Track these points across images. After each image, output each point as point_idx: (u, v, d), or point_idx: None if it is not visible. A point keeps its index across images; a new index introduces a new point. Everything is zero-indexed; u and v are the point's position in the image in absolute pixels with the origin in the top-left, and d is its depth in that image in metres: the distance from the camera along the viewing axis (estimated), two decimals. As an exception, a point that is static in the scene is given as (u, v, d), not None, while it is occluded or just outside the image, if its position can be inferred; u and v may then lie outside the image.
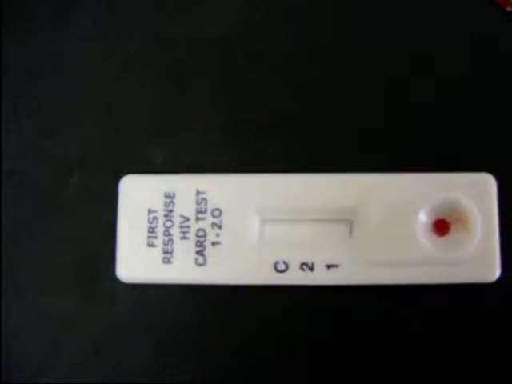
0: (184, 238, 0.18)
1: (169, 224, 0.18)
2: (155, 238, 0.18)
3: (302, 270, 0.18)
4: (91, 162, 0.20)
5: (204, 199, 0.18)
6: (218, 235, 0.18)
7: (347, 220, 0.18)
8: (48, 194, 0.20)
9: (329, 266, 0.18)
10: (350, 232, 0.18)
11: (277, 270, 0.18)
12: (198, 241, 0.18)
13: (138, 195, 0.19)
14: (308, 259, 0.18)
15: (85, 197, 0.20)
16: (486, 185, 0.18)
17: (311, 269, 0.18)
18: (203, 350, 0.19)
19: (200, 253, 0.18)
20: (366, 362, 0.19)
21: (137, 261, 0.18)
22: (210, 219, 0.18)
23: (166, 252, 0.18)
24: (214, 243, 0.18)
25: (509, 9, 0.18)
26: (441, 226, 0.18)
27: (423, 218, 0.18)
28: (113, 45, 0.20)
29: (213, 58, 0.20)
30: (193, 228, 0.18)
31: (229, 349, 0.19)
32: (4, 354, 0.19)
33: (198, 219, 0.18)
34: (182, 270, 0.18)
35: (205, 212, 0.18)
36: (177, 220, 0.18)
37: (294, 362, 0.19)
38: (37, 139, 0.20)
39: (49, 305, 0.19)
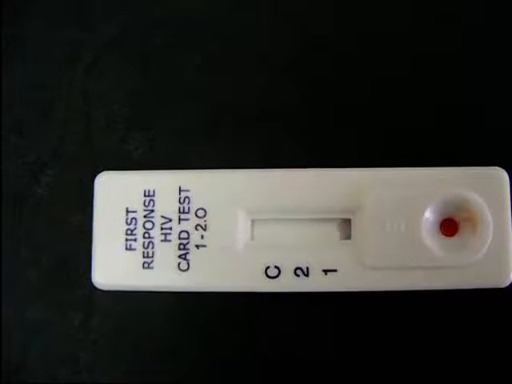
0: (165, 240, 0.17)
1: (149, 225, 0.17)
2: (134, 240, 0.17)
3: (296, 275, 0.17)
4: (64, 158, 0.19)
5: (187, 198, 0.17)
6: (202, 237, 0.17)
7: (345, 220, 0.17)
8: (18, 192, 0.19)
9: (326, 271, 0.17)
10: (349, 233, 0.17)
11: (268, 276, 0.17)
12: (180, 244, 0.17)
13: (115, 194, 0.17)
14: (302, 263, 0.17)
15: (58, 196, 0.18)
16: (497, 180, 0.17)
17: (306, 274, 0.17)
18: (186, 362, 0.18)
19: (183, 257, 0.17)
20: (367, 375, 0.18)
21: (114, 266, 0.17)
22: (194, 220, 0.17)
23: (145, 256, 0.17)
24: (198, 246, 0.17)
25: None
26: (448, 226, 0.17)
27: (429, 216, 0.17)
28: (87, 30, 0.19)
29: (195, 41, 0.19)
30: (175, 230, 0.17)
31: (213, 361, 0.18)
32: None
33: (180, 220, 0.17)
34: (164, 276, 0.17)
35: (188, 212, 0.17)
36: (157, 221, 0.17)
37: (287, 376, 0.18)
38: (5, 133, 0.19)
39: (20, 313, 0.18)
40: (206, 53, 0.19)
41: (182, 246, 0.17)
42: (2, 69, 0.19)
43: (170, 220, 0.17)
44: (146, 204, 0.17)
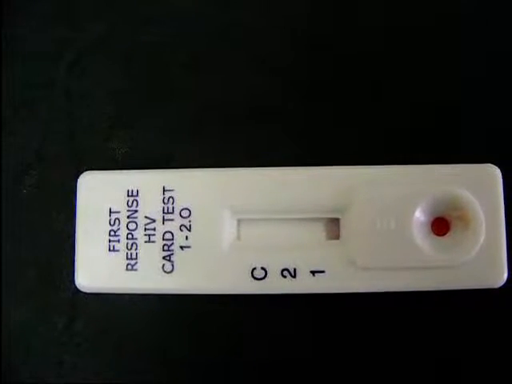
0: (149, 241, 0.17)
1: (132, 226, 0.17)
2: (117, 241, 0.17)
3: (283, 276, 0.17)
4: (47, 158, 0.18)
5: (171, 198, 0.17)
6: (187, 238, 0.17)
7: (334, 219, 0.17)
8: (1, 193, 0.18)
9: (313, 272, 0.17)
10: (337, 233, 0.17)
11: (254, 277, 0.17)
12: (165, 245, 0.17)
13: (98, 194, 0.17)
14: (289, 264, 0.17)
15: (41, 196, 0.18)
16: (490, 177, 0.17)
17: (293, 275, 0.17)
18: (171, 364, 0.18)
19: (167, 258, 0.17)
20: (358, 377, 0.17)
21: (97, 268, 0.17)
22: (179, 220, 0.17)
23: (129, 258, 0.17)
24: (182, 247, 0.17)
25: None
26: (440, 225, 0.17)
27: (420, 215, 0.17)
28: (71, 29, 0.19)
29: (180, 38, 0.18)
30: (159, 230, 0.17)
31: (199, 363, 0.18)
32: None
33: (164, 220, 0.17)
34: (148, 278, 0.17)
35: (172, 212, 0.17)
36: (141, 221, 0.17)
37: (274, 378, 0.17)
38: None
39: (3, 315, 0.18)
40: (191, 51, 0.18)
41: (166, 247, 0.17)
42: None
43: (154, 220, 0.17)
44: (130, 204, 0.17)
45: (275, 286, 0.17)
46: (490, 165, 0.17)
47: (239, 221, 0.17)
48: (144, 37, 0.18)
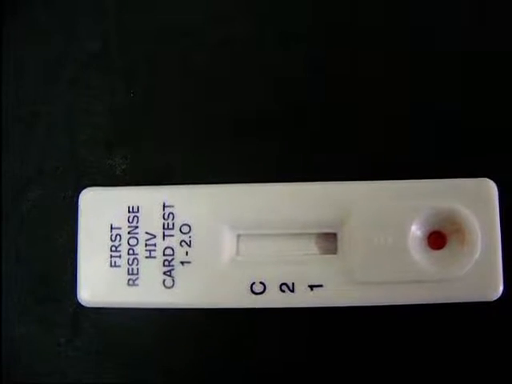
0: (150, 257, 0.17)
1: (133, 242, 0.17)
2: (119, 257, 0.17)
3: (282, 291, 0.17)
4: (49, 174, 0.18)
5: (171, 214, 0.17)
6: (187, 254, 0.17)
7: (331, 234, 0.17)
8: (3, 209, 0.18)
9: (311, 287, 0.17)
10: (335, 247, 0.17)
11: (253, 292, 0.17)
12: (165, 260, 0.17)
13: (99, 210, 0.17)
14: (288, 279, 0.17)
15: (42, 212, 0.18)
16: (486, 192, 0.17)
17: (292, 290, 0.17)
18: (172, 378, 0.18)
19: (168, 273, 0.17)
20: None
21: (99, 283, 0.17)
22: (179, 236, 0.17)
23: (130, 273, 0.17)
24: (183, 262, 0.17)
25: None
26: (436, 239, 0.17)
27: (416, 230, 0.17)
28: (71, 44, 0.19)
29: (181, 53, 0.18)
30: (160, 246, 0.17)
31: (199, 377, 0.18)
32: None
33: (165, 236, 0.17)
34: (149, 293, 0.17)
35: (172, 228, 0.17)
36: (142, 237, 0.17)
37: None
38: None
39: (6, 330, 0.18)
40: (190, 66, 0.18)
41: (166, 263, 0.17)
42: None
43: (155, 236, 0.17)
44: (130, 220, 0.17)
45: (274, 300, 0.17)
46: (485, 179, 0.17)
47: (238, 236, 0.17)
48: (142, 51, 0.18)
